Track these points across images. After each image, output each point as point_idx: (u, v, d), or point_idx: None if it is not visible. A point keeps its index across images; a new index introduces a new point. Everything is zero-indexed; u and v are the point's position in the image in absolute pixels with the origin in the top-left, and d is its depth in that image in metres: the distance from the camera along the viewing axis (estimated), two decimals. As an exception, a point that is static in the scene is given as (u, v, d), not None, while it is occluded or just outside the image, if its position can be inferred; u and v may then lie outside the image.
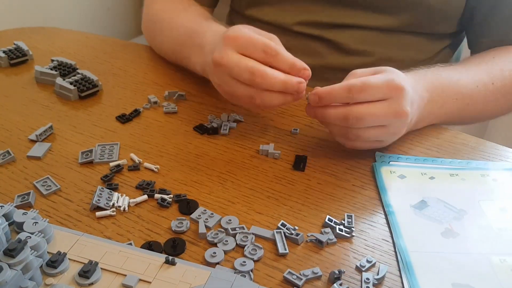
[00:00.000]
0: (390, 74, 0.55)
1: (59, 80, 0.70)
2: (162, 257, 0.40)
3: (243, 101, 0.58)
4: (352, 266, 0.45)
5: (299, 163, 0.58)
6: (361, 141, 0.56)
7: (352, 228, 0.49)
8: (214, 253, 0.45)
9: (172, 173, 0.56)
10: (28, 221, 0.40)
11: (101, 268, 0.38)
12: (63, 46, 0.84)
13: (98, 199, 0.51)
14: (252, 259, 0.45)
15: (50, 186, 0.53)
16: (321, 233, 0.48)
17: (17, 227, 0.41)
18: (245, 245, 0.47)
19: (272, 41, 0.56)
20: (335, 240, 0.48)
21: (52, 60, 0.76)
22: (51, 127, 0.62)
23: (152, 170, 0.56)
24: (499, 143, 0.63)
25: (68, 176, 0.55)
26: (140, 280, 0.38)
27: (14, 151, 0.58)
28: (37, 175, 0.55)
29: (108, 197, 0.51)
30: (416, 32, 0.76)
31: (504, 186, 0.55)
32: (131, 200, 0.51)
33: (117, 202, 0.51)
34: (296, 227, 0.49)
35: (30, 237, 0.38)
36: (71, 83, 0.69)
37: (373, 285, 0.43)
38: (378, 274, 0.44)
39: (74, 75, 0.72)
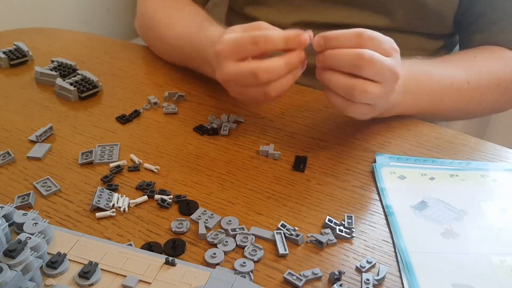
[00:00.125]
0: (394, 59, 0.55)
1: (59, 81, 0.70)
2: (162, 258, 0.40)
3: (261, 100, 0.59)
4: (352, 267, 0.45)
5: (299, 164, 0.58)
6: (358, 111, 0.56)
7: (352, 229, 0.49)
8: (214, 253, 0.45)
9: (172, 173, 0.56)
10: (28, 222, 0.40)
11: (101, 269, 0.38)
12: (63, 47, 0.84)
13: (98, 200, 0.51)
14: (252, 259, 0.45)
15: (50, 187, 0.53)
16: (321, 233, 0.48)
17: (17, 228, 0.41)
18: (245, 246, 0.47)
19: (259, 28, 0.56)
20: (335, 240, 0.48)
21: (52, 61, 0.76)
22: (51, 128, 0.62)
23: (152, 171, 0.56)
24: (499, 144, 0.63)
25: (68, 177, 0.55)
26: (140, 281, 0.38)
27: (14, 152, 0.58)
28: (37, 175, 0.55)
29: (108, 198, 0.51)
30: (412, 32, 0.76)
31: (504, 186, 0.55)
32: (131, 201, 0.51)
33: (117, 203, 0.51)
34: (296, 228, 0.49)
35: (30, 238, 0.38)
36: (71, 84, 0.69)
37: (373, 285, 0.43)
38: (378, 275, 0.44)
39: (74, 76, 0.72)
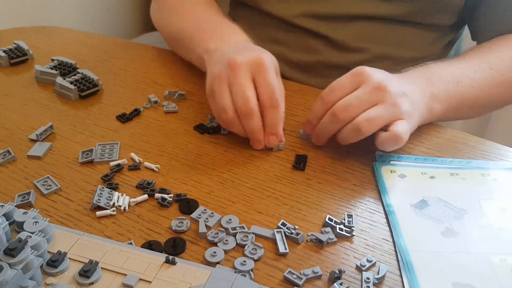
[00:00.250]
0: (371, 85, 0.55)
1: (59, 80, 0.70)
2: (162, 257, 0.40)
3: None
4: (353, 266, 0.45)
5: (300, 163, 0.58)
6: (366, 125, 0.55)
7: (353, 228, 0.49)
8: (214, 252, 0.45)
9: (172, 172, 0.56)
10: (28, 220, 0.40)
11: (102, 268, 0.38)
12: (63, 46, 0.84)
13: (99, 199, 0.51)
14: (252, 258, 0.45)
15: (50, 185, 0.53)
16: (322, 232, 0.48)
17: (18, 226, 0.41)
18: (245, 245, 0.47)
19: (259, 70, 0.56)
20: (335, 239, 0.48)
21: (53, 60, 0.76)
22: (51, 127, 0.62)
23: (153, 170, 0.56)
24: (499, 143, 0.63)
25: (69, 175, 0.55)
26: (140, 279, 0.38)
27: (14, 151, 0.58)
28: (37, 174, 0.55)
29: (109, 196, 0.51)
30: (415, 22, 0.75)
31: (505, 185, 0.55)
32: (132, 200, 0.51)
33: (117, 201, 0.51)
34: (297, 227, 0.49)
35: (31, 236, 0.38)
36: (71, 83, 0.69)
37: (374, 284, 0.43)
38: (378, 274, 0.44)
39: (75, 75, 0.72)
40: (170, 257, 0.39)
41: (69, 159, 0.57)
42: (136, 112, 0.66)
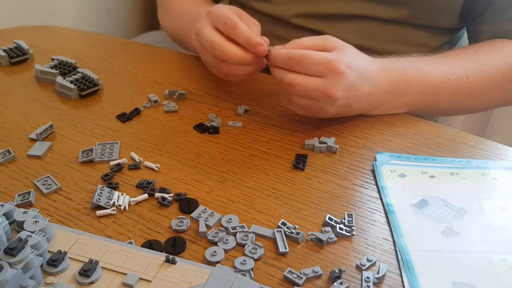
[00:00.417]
0: (336, 55, 0.57)
1: (59, 79, 0.70)
2: (162, 256, 0.40)
3: (214, 70, 0.65)
4: (353, 265, 0.45)
5: (300, 162, 0.58)
6: (294, 106, 0.61)
7: (353, 227, 0.49)
8: (215, 252, 0.45)
9: (172, 172, 0.56)
10: (28, 220, 0.40)
11: (102, 267, 0.38)
12: (63, 45, 0.84)
13: (99, 198, 0.51)
14: (252, 258, 0.45)
15: (50, 185, 0.53)
16: (322, 232, 0.48)
17: (18, 226, 0.41)
18: (246, 244, 0.47)
19: (252, 26, 0.62)
20: (335, 239, 0.48)
21: (53, 59, 0.76)
22: (51, 126, 0.62)
23: (153, 169, 0.56)
24: (499, 142, 0.63)
25: (69, 175, 0.55)
26: (140, 279, 0.38)
27: (14, 150, 0.58)
28: (37, 174, 0.55)
29: (109, 196, 0.51)
30: (416, 24, 0.76)
31: (505, 185, 0.55)
32: (132, 199, 0.51)
33: (117, 201, 0.51)
34: (297, 226, 0.49)
35: (31, 236, 0.38)
36: (71, 82, 0.69)
37: (374, 284, 0.43)
38: (378, 273, 0.44)
39: (75, 74, 0.72)
40: (170, 256, 0.39)
41: (69, 159, 0.57)
42: (136, 112, 0.66)
